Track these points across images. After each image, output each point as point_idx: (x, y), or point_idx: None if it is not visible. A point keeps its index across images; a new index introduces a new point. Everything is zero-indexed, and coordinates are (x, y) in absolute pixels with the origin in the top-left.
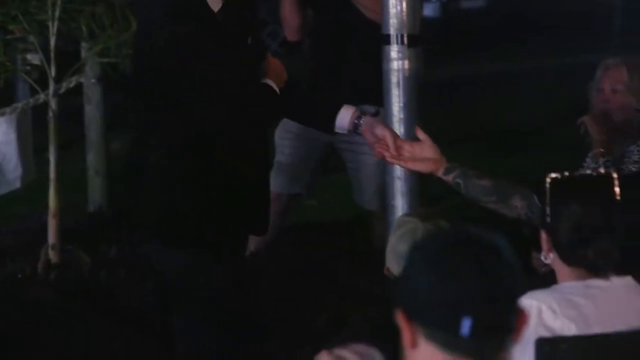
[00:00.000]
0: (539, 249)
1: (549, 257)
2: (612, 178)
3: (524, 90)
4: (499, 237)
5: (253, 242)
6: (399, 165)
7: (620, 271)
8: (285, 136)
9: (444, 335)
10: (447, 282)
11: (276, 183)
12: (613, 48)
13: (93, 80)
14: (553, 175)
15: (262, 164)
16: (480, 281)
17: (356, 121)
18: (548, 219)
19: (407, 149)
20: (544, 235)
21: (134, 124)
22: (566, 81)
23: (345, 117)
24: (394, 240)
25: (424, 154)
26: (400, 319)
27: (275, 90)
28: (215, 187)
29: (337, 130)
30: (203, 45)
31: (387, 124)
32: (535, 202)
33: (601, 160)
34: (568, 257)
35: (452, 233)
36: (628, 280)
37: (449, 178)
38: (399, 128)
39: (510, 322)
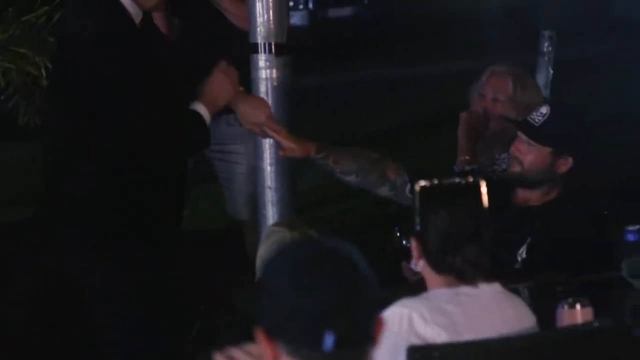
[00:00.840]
0: (409, 258)
1: (419, 265)
2: (480, 186)
3: (391, 97)
4: (353, 248)
5: None
6: (279, 140)
7: (489, 277)
8: None
9: (307, 352)
10: (307, 298)
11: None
12: (482, 55)
13: None
14: (422, 182)
15: (179, 186)
16: (340, 294)
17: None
18: (418, 227)
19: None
20: (414, 243)
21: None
22: (432, 88)
23: None
24: (263, 250)
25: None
26: (261, 337)
27: (201, 118)
28: (135, 206)
29: None
30: (128, 68)
31: None
32: (405, 194)
33: (466, 167)
34: (437, 265)
35: (307, 246)
36: (496, 286)
37: (321, 158)
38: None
39: (370, 331)
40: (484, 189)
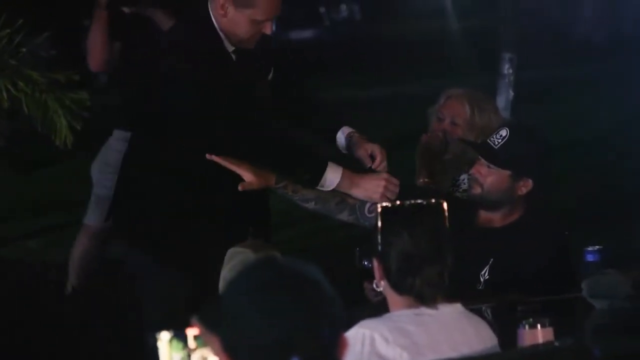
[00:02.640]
0: (370, 279)
1: (381, 285)
2: (442, 207)
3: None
4: (317, 270)
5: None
6: (239, 173)
7: (450, 298)
8: (105, 169)
9: None
10: (273, 322)
11: (95, 217)
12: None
13: None
14: (384, 203)
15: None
16: (305, 318)
17: (348, 138)
18: (379, 247)
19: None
20: (375, 263)
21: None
22: (393, 110)
23: (344, 131)
24: (226, 271)
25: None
26: (216, 348)
27: (318, 166)
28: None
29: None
30: (219, 89)
31: None
32: (365, 214)
33: (425, 189)
34: (397, 286)
35: (271, 268)
36: (457, 307)
37: (281, 188)
38: None
39: (334, 353)
40: (445, 210)
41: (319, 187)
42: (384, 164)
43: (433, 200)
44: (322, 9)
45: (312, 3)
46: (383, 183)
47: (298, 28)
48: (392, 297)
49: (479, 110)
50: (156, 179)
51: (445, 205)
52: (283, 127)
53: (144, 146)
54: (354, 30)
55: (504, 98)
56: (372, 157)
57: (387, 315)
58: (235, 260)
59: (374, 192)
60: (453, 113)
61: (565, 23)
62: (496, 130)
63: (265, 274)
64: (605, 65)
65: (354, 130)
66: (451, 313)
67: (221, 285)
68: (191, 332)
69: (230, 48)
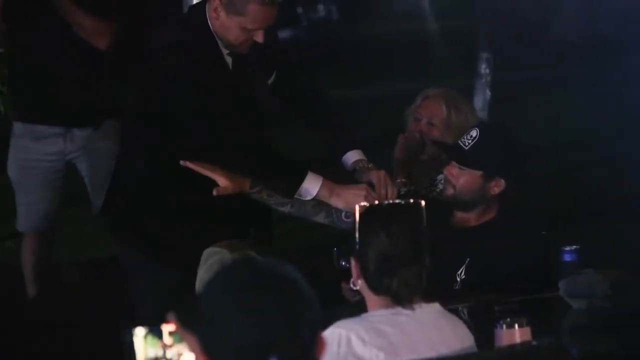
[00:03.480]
0: (348, 279)
1: (358, 284)
2: (421, 207)
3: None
4: (294, 269)
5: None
6: (214, 178)
7: (427, 298)
8: (24, 169)
9: None
10: (252, 322)
11: (28, 224)
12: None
13: None
14: (362, 203)
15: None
16: (284, 318)
17: (354, 166)
18: (357, 247)
19: None
20: (353, 262)
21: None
22: (370, 111)
23: (351, 157)
24: (203, 271)
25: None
26: (194, 347)
27: (297, 174)
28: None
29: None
30: (215, 94)
31: None
32: (342, 219)
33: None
34: (374, 286)
35: (248, 268)
36: (435, 307)
37: (256, 192)
38: None
39: (313, 353)
40: (423, 210)
41: (296, 197)
42: (384, 192)
43: (411, 200)
44: (299, 9)
45: (289, 3)
46: (363, 193)
47: (275, 28)
48: (370, 296)
49: (456, 110)
50: (152, 178)
51: (423, 205)
52: (283, 126)
53: (141, 145)
54: (332, 30)
55: (481, 98)
56: (372, 185)
57: (363, 316)
58: (211, 260)
59: (354, 202)
60: (430, 113)
61: (542, 23)
62: (467, 131)
63: (243, 274)
64: (583, 65)
65: (362, 158)
66: (429, 313)
67: (198, 285)
68: (167, 328)
69: (225, 51)
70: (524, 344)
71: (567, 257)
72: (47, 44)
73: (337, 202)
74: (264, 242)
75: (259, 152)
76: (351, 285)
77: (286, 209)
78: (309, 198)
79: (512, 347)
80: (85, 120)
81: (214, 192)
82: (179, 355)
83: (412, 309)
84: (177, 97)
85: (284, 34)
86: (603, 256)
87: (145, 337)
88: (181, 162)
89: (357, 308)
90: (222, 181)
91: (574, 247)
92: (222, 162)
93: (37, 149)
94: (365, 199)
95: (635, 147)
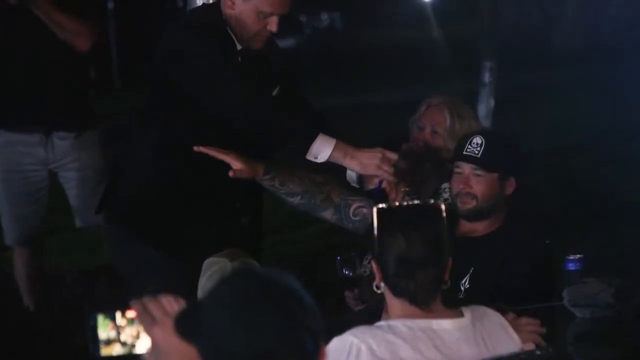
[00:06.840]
0: (351, 288)
1: (381, 287)
2: (439, 208)
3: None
4: (294, 279)
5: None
6: (228, 161)
7: (451, 304)
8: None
9: None
10: (254, 334)
11: (15, 237)
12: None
13: None
14: (380, 205)
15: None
16: (286, 328)
17: (359, 175)
18: (377, 249)
19: None
20: (374, 265)
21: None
22: (374, 118)
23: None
24: (204, 281)
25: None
26: (193, 358)
27: (308, 137)
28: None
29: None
30: (227, 77)
31: None
32: (349, 217)
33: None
34: (394, 289)
35: (249, 278)
36: (460, 322)
37: (268, 179)
38: None
39: None
40: (442, 211)
41: (309, 158)
42: (393, 195)
43: (432, 201)
44: (303, 18)
45: (293, 11)
46: (379, 156)
47: (278, 36)
48: (390, 299)
49: (459, 118)
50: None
51: (442, 206)
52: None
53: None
54: (335, 38)
55: (484, 106)
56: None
57: (378, 325)
58: (212, 269)
59: (369, 164)
60: (433, 122)
61: (543, 31)
62: (468, 141)
63: (245, 286)
64: (583, 72)
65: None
66: (453, 330)
67: (200, 294)
68: (120, 312)
69: (239, 47)
70: (527, 352)
71: (571, 266)
72: (21, 47)
73: (351, 164)
74: (254, 222)
75: (271, 114)
76: (374, 288)
77: (296, 200)
78: (323, 159)
79: (516, 356)
80: (63, 126)
81: (230, 174)
82: (133, 337)
83: (431, 317)
84: (189, 65)
85: (287, 43)
86: (606, 265)
87: (102, 321)
88: (195, 148)
89: (359, 317)
90: (236, 164)
91: (578, 256)
92: (235, 129)
93: (18, 160)
94: (381, 162)
95: (638, 151)
